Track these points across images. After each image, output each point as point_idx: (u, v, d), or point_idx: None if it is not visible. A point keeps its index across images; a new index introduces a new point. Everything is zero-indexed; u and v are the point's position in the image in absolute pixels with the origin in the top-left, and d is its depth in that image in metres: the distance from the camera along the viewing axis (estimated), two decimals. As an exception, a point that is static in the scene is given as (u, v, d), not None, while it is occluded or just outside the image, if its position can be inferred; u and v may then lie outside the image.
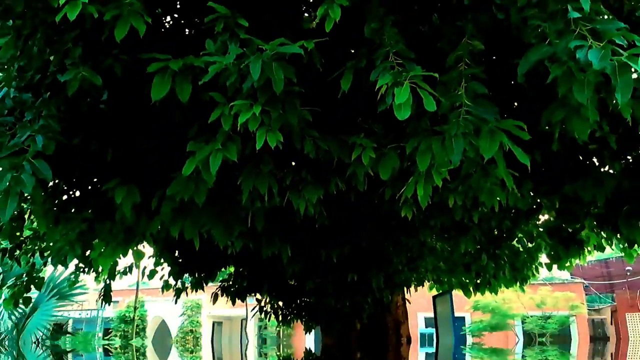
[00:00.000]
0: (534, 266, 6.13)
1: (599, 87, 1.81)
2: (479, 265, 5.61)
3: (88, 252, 3.42)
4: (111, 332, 23.07)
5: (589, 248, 5.51)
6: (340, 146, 2.67)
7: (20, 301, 4.40)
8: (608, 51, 1.66)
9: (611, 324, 23.20)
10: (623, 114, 1.85)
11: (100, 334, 18.77)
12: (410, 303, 6.37)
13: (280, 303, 6.00)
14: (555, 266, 5.78)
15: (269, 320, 6.41)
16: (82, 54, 2.40)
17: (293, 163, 3.13)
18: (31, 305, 5.50)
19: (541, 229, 5.44)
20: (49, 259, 3.58)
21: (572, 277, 23.37)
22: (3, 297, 4.70)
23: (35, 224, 3.64)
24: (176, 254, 5.17)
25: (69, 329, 13.94)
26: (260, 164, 2.74)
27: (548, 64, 1.86)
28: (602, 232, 5.22)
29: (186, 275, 5.51)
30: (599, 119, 1.97)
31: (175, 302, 5.86)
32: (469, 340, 21.81)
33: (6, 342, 5.80)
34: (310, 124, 2.50)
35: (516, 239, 5.61)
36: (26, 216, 3.43)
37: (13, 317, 6.16)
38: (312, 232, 4.56)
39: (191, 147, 2.41)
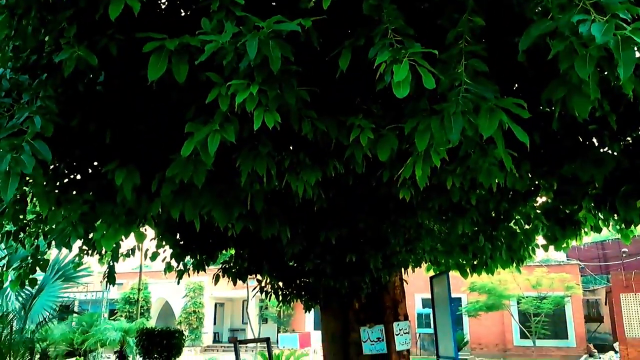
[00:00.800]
0: (530, 247, 6.16)
1: (601, 63, 1.80)
2: (476, 246, 5.64)
3: (91, 235, 3.44)
4: (117, 312, 23.31)
5: (586, 229, 5.55)
6: (339, 127, 2.66)
7: (27, 283, 4.45)
8: (612, 25, 1.64)
9: (605, 304, 23.49)
10: (624, 90, 1.83)
11: (106, 315, 19.05)
12: (407, 284, 6.41)
13: (280, 283, 6.03)
14: (551, 247, 5.82)
15: (269, 301, 6.46)
16: (77, 34, 2.37)
17: (291, 146, 3.12)
18: (37, 286, 5.58)
19: (538, 211, 5.47)
20: (53, 241, 3.60)
21: (567, 259, 23.58)
22: (9, 278, 4.77)
23: (37, 207, 3.65)
24: (177, 237, 5.19)
25: (76, 309, 14.16)
26: (259, 146, 2.73)
27: (549, 41, 1.85)
28: (599, 213, 5.26)
29: (188, 257, 5.53)
30: (600, 97, 1.95)
31: (178, 284, 5.89)
32: (465, 320, 22.06)
33: (14, 322, 5.92)
34: (308, 104, 2.48)
35: (513, 220, 5.63)
36: (28, 199, 3.44)
37: (20, 298, 6.26)
38: (310, 214, 4.58)
39: (189, 128, 2.40)
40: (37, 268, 4.45)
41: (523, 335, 21.48)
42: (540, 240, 5.96)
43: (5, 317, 5.60)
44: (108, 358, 16.07)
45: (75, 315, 13.72)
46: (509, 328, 22.15)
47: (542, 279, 19.73)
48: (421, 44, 2.00)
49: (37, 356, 12.24)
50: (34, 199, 3.31)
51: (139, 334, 9.48)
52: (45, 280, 6.14)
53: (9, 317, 5.93)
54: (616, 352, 19.33)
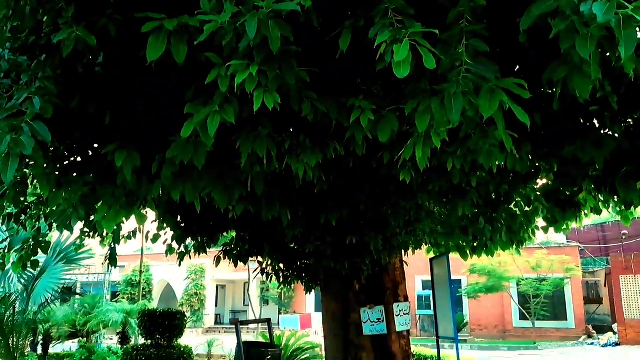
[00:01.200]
0: (530, 229, 6.18)
1: (602, 43, 1.78)
2: (476, 228, 5.66)
3: (92, 217, 3.44)
4: (119, 294, 23.54)
5: (586, 211, 5.56)
6: (339, 108, 2.65)
7: (29, 265, 4.49)
8: (613, 4, 1.62)
9: (605, 286, 23.67)
10: (625, 70, 1.82)
11: (108, 297, 19.23)
12: (407, 265, 6.45)
13: (281, 265, 6.08)
14: (551, 230, 5.84)
15: (270, 282, 6.52)
16: (75, 14, 2.35)
17: (291, 128, 3.11)
18: (39, 268, 5.59)
19: (538, 193, 5.47)
20: (54, 223, 3.62)
21: (567, 241, 23.69)
22: (11, 260, 4.80)
23: (38, 189, 3.66)
24: (178, 219, 5.21)
25: (78, 292, 14.29)
26: (259, 127, 2.73)
27: (551, 21, 1.83)
28: (600, 195, 5.27)
29: (189, 239, 5.56)
30: (601, 77, 1.94)
31: (179, 266, 5.93)
32: (465, 301, 22.24)
33: (17, 303, 5.93)
34: (308, 85, 2.47)
35: (513, 202, 5.63)
36: (29, 181, 3.45)
37: (22, 280, 6.27)
38: (311, 196, 4.59)
39: (189, 109, 2.39)
40: (39, 250, 4.49)
41: (522, 317, 21.70)
42: (540, 222, 5.98)
43: (7, 298, 5.62)
44: (110, 339, 16.27)
45: (77, 297, 13.85)
46: (509, 310, 22.35)
47: (541, 261, 19.86)
48: (422, 23, 1.98)
49: (40, 337, 12.39)
50: (35, 180, 3.32)
51: (141, 315, 9.57)
52: (47, 263, 6.15)
53: (11, 299, 5.95)
54: (615, 333, 19.55)
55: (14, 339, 5.61)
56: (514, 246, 6.47)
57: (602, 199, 5.36)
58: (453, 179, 3.99)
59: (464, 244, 6.43)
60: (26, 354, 8.23)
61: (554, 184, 5.26)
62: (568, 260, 20.25)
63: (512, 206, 5.70)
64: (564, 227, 5.89)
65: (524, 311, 21.31)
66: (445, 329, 7.02)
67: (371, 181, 4.82)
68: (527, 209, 5.68)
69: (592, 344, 19.30)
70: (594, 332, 21.16)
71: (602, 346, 18.60)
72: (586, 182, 4.75)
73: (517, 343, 19.49)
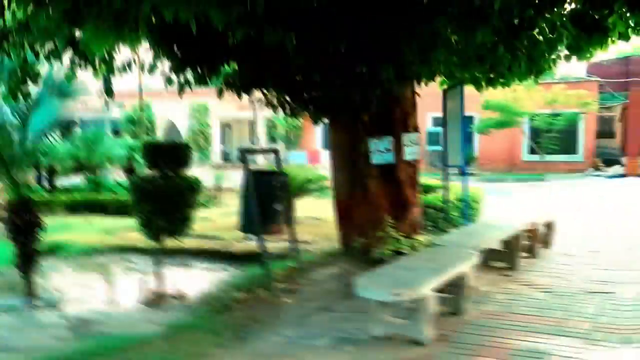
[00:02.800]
0: (552, 58, 5.83)
1: None
2: (495, 57, 5.33)
3: (77, 34, 3.17)
4: (120, 131, 23.10)
5: (614, 38, 5.21)
6: None
7: (20, 96, 4.32)
8: None
9: (619, 120, 23.51)
10: None
11: (110, 134, 18.92)
12: (419, 97, 6.24)
13: (287, 97, 5.87)
14: (570, 66, 5.52)
15: (277, 118, 6.38)
16: None
17: None
18: (33, 103, 5.38)
19: (564, 19, 5.06)
20: (39, 49, 3.40)
21: (588, 75, 22.93)
22: (1, 92, 4.60)
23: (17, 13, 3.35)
24: (174, 48, 4.92)
25: (77, 126, 14.01)
26: None
27: None
28: (631, 20, 4.91)
29: (189, 72, 5.32)
30: None
31: (180, 96, 5.60)
32: (476, 137, 22.46)
33: (14, 134, 5.67)
34: None
35: (537, 30, 5.22)
36: (5, 3, 3.14)
37: (16, 114, 5.93)
38: (319, 19, 4.26)
39: None
40: (29, 81, 4.27)
41: (532, 151, 22.07)
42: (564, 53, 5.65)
43: (2, 129, 5.35)
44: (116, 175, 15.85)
45: (78, 131, 13.46)
46: (519, 144, 22.62)
47: (558, 96, 19.47)
48: None
49: (44, 172, 12.52)
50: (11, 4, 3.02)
51: (145, 147, 8.99)
52: (41, 96, 5.84)
53: (6, 130, 5.61)
54: (622, 165, 20.00)
55: (15, 170, 5.48)
56: (533, 76, 6.20)
57: (632, 24, 5.00)
58: (475, 0, 3.61)
59: (480, 75, 6.16)
60: (32, 187, 8.25)
61: (583, 7, 4.85)
62: (585, 95, 19.76)
63: (534, 33, 5.29)
64: (588, 54, 5.56)
65: (534, 146, 21.59)
66: (453, 160, 7.14)
67: (387, 3, 4.41)
68: (550, 36, 5.28)
69: (598, 175, 19.82)
70: (602, 165, 21.56)
71: (608, 177, 19.13)
72: (618, 2, 4.36)
73: (524, 176, 20.08)
